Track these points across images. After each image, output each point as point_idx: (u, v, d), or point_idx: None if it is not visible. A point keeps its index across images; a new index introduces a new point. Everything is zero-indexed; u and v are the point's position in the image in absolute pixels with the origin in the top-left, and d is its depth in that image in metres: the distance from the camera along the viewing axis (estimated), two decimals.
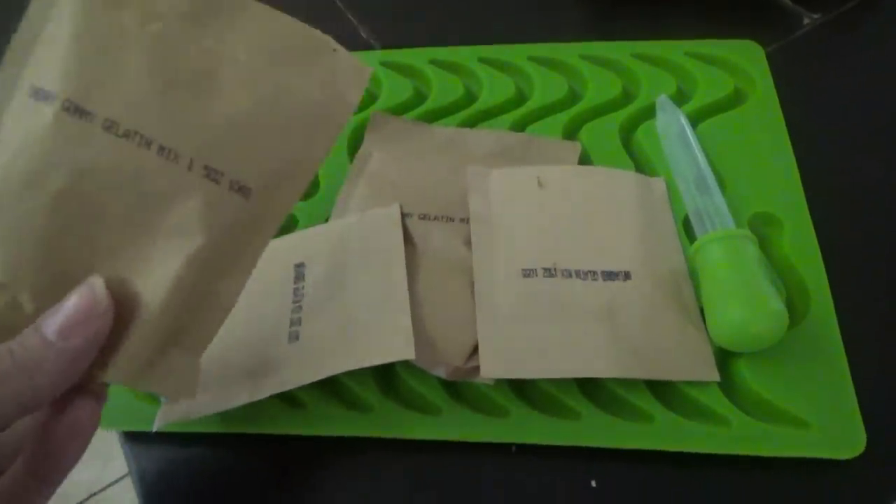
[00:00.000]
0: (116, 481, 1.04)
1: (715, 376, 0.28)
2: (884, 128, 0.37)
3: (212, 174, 0.21)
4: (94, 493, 1.03)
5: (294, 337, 0.29)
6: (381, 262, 0.31)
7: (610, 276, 0.31)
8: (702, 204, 0.32)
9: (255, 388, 0.28)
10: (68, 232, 0.20)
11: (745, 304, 0.27)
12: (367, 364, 0.27)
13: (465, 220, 0.33)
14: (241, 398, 0.28)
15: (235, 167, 0.21)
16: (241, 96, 0.22)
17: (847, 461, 0.26)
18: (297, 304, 0.30)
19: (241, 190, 0.21)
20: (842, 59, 0.40)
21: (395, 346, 0.27)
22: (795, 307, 0.30)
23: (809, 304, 0.30)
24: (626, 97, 0.39)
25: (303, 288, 0.31)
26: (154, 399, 0.31)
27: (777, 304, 0.27)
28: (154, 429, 0.28)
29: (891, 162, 0.35)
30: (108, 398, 0.31)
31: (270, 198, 0.22)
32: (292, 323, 0.30)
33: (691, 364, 0.29)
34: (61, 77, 0.20)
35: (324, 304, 0.30)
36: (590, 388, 0.29)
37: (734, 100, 0.38)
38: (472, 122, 0.39)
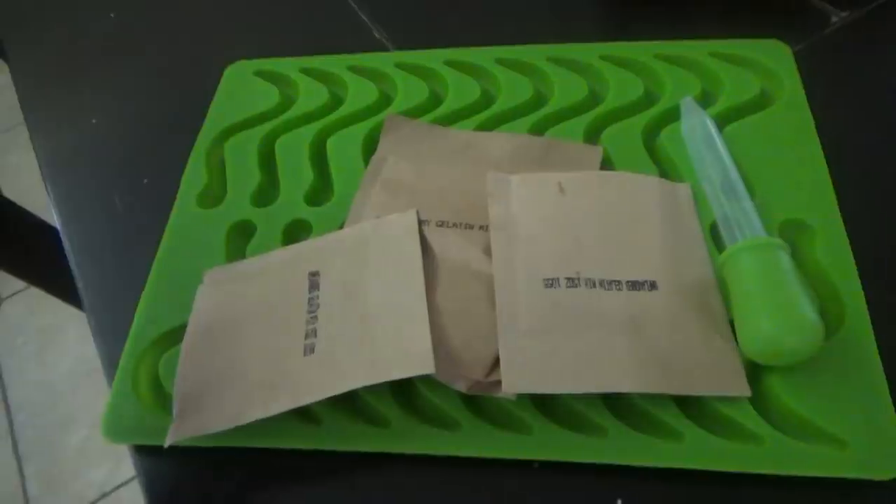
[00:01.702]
0: (127, 482, 1.04)
1: (746, 391, 0.27)
2: None
3: None
4: (106, 494, 1.03)
5: (310, 350, 0.28)
6: (398, 270, 0.30)
7: (635, 285, 0.30)
8: (730, 210, 0.31)
9: (269, 404, 0.27)
10: None
11: (778, 317, 0.26)
12: (385, 379, 0.26)
13: (485, 228, 0.32)
14: (256, 414, 0.27)
15: None
16: None
17: (886, 482, 0.25)
18: (313, 315, 0.29)
19: None
20: (872, 57, 0.39)
21: (415, 361, 0.26)
22: (829, 318, 0.29)
23: (844, 316, 0.29)
24: (649, 99, 0.38)
25: (318, 297, 0.30)
26: (166, 412, 0.30)
27: (812, 316, 0.26)
28: (166, 444, 0.28)
29: None
30: (119, 413, 0.30)
31: None
32: (307, 335, 0.29)
33: (720, 378, 0.28)
34: None
35: (339, 315, 0.29)
36: (616, 403, 0.28)
37: (761, 101, 0.36)
38: (489, 125, 0.38)
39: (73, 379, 1.17)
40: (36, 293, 0.84)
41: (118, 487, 1.04)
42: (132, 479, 1.03)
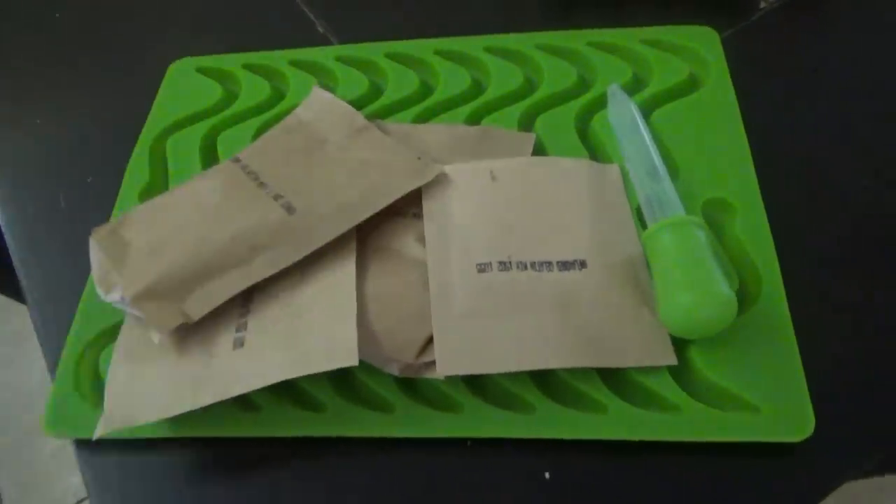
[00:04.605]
0: None
1: (672, 360, 0.28)
2: (837, 113, 0.37)
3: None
4: (82, 500, 1.02)
5: (239, 343, 0.29)
6: (329, 260, 0.31)
7: (565, 265, 0.31)
8: (652, 192, 0.32)
9: (198, 395, 0.27)
10: None
11: (693, 290, 0.27)
12: (308, 371, 0.27)
13: (417, 215, 0.33)
14: (185, 405, 0.27)
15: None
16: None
17: (797, 444, 0.26)
18: (245, 309, 0.30)
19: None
20: (797, 43, 0.40)
21: (339, 354, 0.27)
22: (747, 292, 0.30)
23: (761, 289, 0.30)
24: (583, 86, 0.39)
25: (251, 293, 0.31)
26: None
27: (725, 290, 0.27)
28: (94, 437, 0.28)
29: (844, 147, 0.35)
30: (61, 407, 0.30)
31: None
32: (238, 329, 0.29)
33: (648, 349, 0.29)
34: None
35: (270, 308, 0.30)
36: (544, 380, 0.29)
37: (689, 86, 0.37)
38: (428, 115, 0.38)
39: (47, 385, 1.16)
40: (4, 299, 0.83)
41: None
42: None
